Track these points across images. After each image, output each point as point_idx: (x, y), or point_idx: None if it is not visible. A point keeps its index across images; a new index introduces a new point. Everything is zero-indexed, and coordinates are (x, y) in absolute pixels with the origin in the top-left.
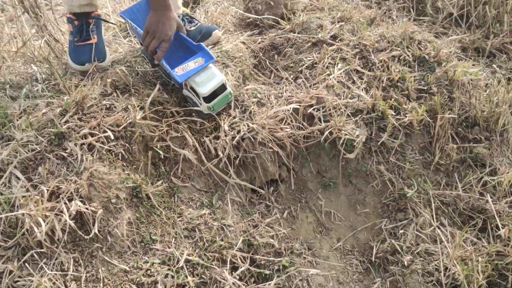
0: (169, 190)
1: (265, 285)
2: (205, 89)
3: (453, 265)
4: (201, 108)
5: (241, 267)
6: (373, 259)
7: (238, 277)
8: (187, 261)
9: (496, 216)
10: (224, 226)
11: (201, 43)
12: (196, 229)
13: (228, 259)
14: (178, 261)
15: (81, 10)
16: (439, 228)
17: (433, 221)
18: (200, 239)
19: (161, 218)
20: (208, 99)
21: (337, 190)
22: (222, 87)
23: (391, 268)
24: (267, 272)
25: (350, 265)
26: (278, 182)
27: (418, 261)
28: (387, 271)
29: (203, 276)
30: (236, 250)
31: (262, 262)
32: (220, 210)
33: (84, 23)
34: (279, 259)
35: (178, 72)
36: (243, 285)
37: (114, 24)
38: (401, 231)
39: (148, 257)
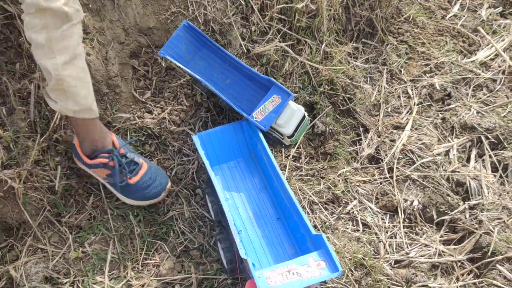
0: None
1: None
2: (289, 129)
3: None
4: (283, 142)
5: None
6: None
7: None
8: None
9: None
10: None
11: (271, 78)
12: None
13: None
14: None
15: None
16: None
17: None
18: None
19: None
20: (292, 135)
21: None
22: (302, 118)
23: None
24: None
25: None
26: None
27: None
28: None
29: None
30: None
31: None
32: None
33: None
34: None
35: (258, 117)
36: None
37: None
38: None
39: None
